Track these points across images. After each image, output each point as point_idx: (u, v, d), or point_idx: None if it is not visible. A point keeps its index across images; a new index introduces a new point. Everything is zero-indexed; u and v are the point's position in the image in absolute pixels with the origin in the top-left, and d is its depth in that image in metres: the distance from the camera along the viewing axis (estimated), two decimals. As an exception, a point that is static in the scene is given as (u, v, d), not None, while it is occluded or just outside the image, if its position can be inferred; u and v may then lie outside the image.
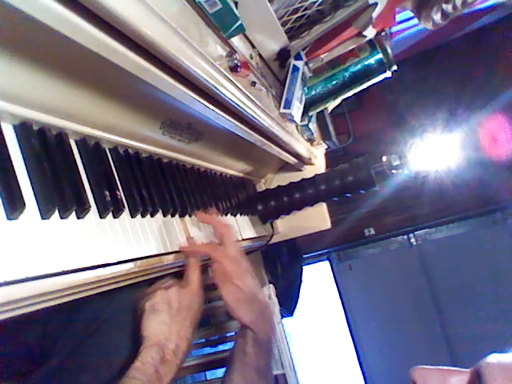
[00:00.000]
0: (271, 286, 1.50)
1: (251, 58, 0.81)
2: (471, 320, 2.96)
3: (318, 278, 3.58)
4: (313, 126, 1.18)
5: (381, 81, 1.01)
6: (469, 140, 2.63)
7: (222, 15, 0.59)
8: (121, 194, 0.60)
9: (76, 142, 0.56)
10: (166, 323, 0.61)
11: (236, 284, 0.70)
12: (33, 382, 0.65)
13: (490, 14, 2.53)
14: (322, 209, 1.29)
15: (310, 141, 1.23)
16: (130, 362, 0.56)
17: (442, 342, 3.16)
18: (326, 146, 1.36)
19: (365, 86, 1.02)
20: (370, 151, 1.18)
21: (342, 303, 3.48)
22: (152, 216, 0.66)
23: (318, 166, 1.29)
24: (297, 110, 0.92)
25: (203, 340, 1.45)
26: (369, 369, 3.39)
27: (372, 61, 0.96)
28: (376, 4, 0.98)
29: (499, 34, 2.83)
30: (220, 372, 1.43)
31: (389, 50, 0.96)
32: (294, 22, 0.89)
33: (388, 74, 0.99)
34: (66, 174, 0.51)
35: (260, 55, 0.86)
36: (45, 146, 0.49)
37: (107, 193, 0.56)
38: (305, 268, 3.03)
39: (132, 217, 0.61)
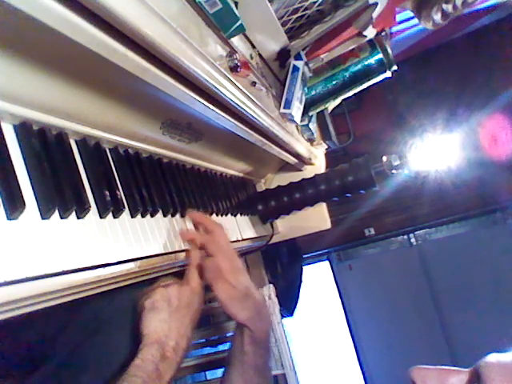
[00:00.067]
0: (271, 286, 1.50)
1: (251, 58, 0.81)
2: (471, 320, 2.96)
3: (318, 278, 3.58)
4: (313, 125, 1.18)
5: (381, 81, 1.01)
6: (469, 140, 2.63)
7: (222, 15, 0.59)
8: (121, 193, 0.60)
9: (76, 142, 0.56)
10: (166, 321, 0.61)
11: (229, 281, 0.69)
12: (33, 381, 0.65)
13: (489, 14, 2.53)
14: (321, 209, 1.29)
15: (310, 141, 1.23)
16: (130, 362, 0.57)
17: (441, 342, 3.16)
18: (326, 146, 1.36)
19: (365, 85, 1.02)
20: (370, 151, 1.18)
21: (342, 303, 3.48)
22: (152, 216, 0.66)
23: (318, 165, 1.29)
24: (297, 110, 0.92)
25: (203, 340, 1.46)
26: (369, 369, 3.39)
27: (372, 61, 0.96)
28: (376, 4, 0.98)
29: (499, 34, 2.83)
30: (220, 372, 1.43)
31: (389, 50, 0.96)
32: (294, 22, 0.89)
33: (388, 74, 0.99)
34: (65, 174, 0.51)
35: (260, 55, 0.86)
36: (45, 146, 0.49)
37: (107, 193, 0.56)
38: (305, 268, 3.03)
39: (132, 217, 0.61)
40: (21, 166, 0.45)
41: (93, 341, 0.67)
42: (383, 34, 1.10)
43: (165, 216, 0.70)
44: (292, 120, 0.93)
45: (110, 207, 0.55)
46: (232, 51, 0.67)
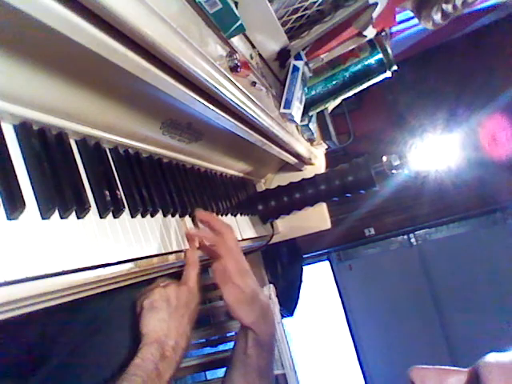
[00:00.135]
0: (271, 286, 1.50)
1: (251, 58, 0.81)
2: (471, 320, 2.96)
3: (318, 278, 3.58)
4: (313, 125, 1.18)
5: (381, 81, 1.01)
6: (469, 140, 2.63)
7: (222, 15, 0.59)
8: (121, 193, 0.60)
9: (76, 142, 0.56)
10: (165, 320, 0.61)
11: (237, 284, 0.69)
12: (33, 382, 0.65)
13: (490, 14, 2.53)
14: (322, 209, 1.29)
15: (310, 141, 1.23)
16: (129, 361, 0.57)
17: (441, 342, 3.16)
18: (326, 146, 1.36)
19: (365, 85, 1.02)
20: (370, 151, 1.18)
21: (342, 303, 3.48)
22: (152, 216, 0.66)
23: (318, 166, 1.29)
24: (297, 110, 0.92)
25: (203, 340, 1.45)
26: (369, 369, 3.39)
27: (372, 61, 0.96)
28: (376, 4, 0.98)
29: (499, 34, 2.83)
30: (220, 372, 1.43)
31: (389, 50, 0.96)
32: (294, 22, 0.89)
33: (388, 74, 0.99)
34: (66, 174, 0.51)
35: (260, 55, 0.86)
36: (45, 146, 0.49)
37: (107, 193, 0.56)
38: (305, 268, 3.03)
39: (132, 217, 0.61)
40: (21, 166, 0.45)
41: (93, 341, 0.67)
42: (383, 34, 1.10)
43: (165, 216, 0.70)
44: (292, 120, 0.93)
45: (110, 207, 0.55)
46: (232, 51, 0.67)
